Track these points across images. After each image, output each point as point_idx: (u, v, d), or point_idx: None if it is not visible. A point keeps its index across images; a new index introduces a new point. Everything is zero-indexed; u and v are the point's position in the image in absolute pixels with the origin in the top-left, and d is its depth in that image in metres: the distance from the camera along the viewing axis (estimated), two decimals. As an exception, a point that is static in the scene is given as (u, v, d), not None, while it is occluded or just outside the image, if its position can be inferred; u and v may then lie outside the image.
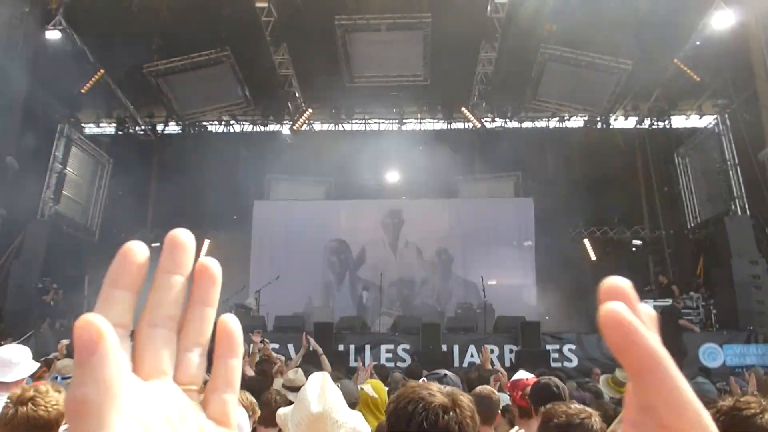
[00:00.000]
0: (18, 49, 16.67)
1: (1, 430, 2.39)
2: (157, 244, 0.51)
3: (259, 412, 3.52)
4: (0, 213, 16.07)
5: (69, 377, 5.70)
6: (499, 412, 3.87)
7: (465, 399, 1.75)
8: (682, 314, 14.10)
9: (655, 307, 13.67)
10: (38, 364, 4.03)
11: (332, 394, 2.18)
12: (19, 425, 2.37)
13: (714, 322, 15.79)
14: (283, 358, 12.07)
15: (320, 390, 2.18)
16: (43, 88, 17.97)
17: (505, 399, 4.24)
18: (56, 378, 5.70)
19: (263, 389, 4.72)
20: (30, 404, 2.40)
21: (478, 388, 3.78)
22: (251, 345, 8.45)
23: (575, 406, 2.49)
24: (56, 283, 15.86)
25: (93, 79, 18.25)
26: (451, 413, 1.66)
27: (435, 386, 1.76)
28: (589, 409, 2.47)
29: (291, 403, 4.38)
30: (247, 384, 5.21)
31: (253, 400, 3.55)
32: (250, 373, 6.94)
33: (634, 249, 22.22)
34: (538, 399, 3.46)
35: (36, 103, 17.57)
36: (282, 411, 2.30)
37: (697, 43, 16.83)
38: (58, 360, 6.64)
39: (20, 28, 16.76)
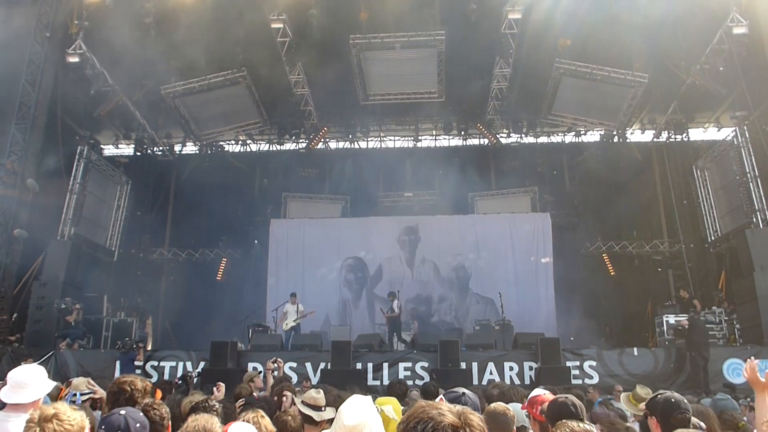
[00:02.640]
0: (39, 73, 16.99)
1: None
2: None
3: None
4: (21, 234, 16.26)
5: (86, 393, 5.71)
6: (515, 428, 3.83)
7: (475, 418, 1.72)
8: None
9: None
10: (54, 384, 4.04)
11: (368, 412, 2.31)
12: None
13: (738, 336, 15.54)
14: (294, 378, 12.11)
15: (357, 406, 2.31)
16: (63, 111, 18.29)
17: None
18: (74, 395, 5.70)
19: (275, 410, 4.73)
20: (55, 420, 2.50)
21: (493, 405, 3.74)
22: (263, 372, 8.48)
23: (581, 425, 2.48)
24: (77, 303, 15.97)
25: (112, 101, 18.51)
26: None
27: (445, 405, 1.74)
28: (593, 429, 2.45)
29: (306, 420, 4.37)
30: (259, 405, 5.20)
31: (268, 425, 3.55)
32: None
33: (659, 259, 21.90)
34: (556, 417, 3.46)
35: (56, 126, 17.87)
36: None
37: (713, 55, 16.70)
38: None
39: (41, 53, 17.10)
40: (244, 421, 3.41)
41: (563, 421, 2.61)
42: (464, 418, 1.68)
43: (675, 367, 13.05)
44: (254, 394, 6.94)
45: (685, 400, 3.67)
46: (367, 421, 2.25)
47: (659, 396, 3.74)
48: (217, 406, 4.23)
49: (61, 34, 17.45)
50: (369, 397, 2.47)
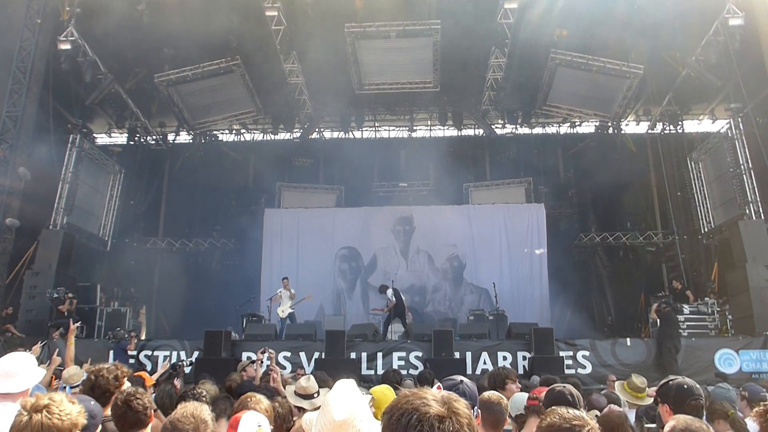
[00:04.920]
0: (30, 60, 16.81)
1: None
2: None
3: (271, 423, 3.50)
4: (13, 223, 16.15)
5: (77, 386, 5.67)
6: (508, 417, 3.83)
7: (461, 405, 1.64)
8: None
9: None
10: (44, 372, 3.97)
11: (356, 402, 2.15)
12: None
13: (729, 327, 15.63)
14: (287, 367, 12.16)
15: (344, 397, 2.15)
16: (54, 99, 18.12)
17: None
18: (64, 387, 5.65)
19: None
20: (45, 411, 2.39)
21: (486, 394, 3.72)
22: (256, 362, 8.47)
23: (573, 412, 2.45)
24: (70, 293, 15.89)
25: (104, 89, 18.33)
26: (446, 422, 1.57)
27: (430, 393, 1.67)
28: (586, 418, 2.42)
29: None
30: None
31: (267, 406, 3.53)
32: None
33: (652, 250, 21.95)
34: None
35: (48, 114, 17.70)
36: (308, 416, 2.29)
37: (709, 47, 16.68)
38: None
39: (32, 39, 16.90)
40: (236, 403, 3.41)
41: (553, 408, 2.59)
42: (450, 407, 1.61)
43: (667, 357, 13.12)
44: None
45: (698, 386, 3.68)
46: (357, 413, 2.10)
47: (671, 382, 3.74)
48: (205, 394, 4.22)
49: (52, 20, 17.23)
50: (353, 381, 2.33)
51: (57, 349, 7.71)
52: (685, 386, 3.64)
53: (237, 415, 3.04)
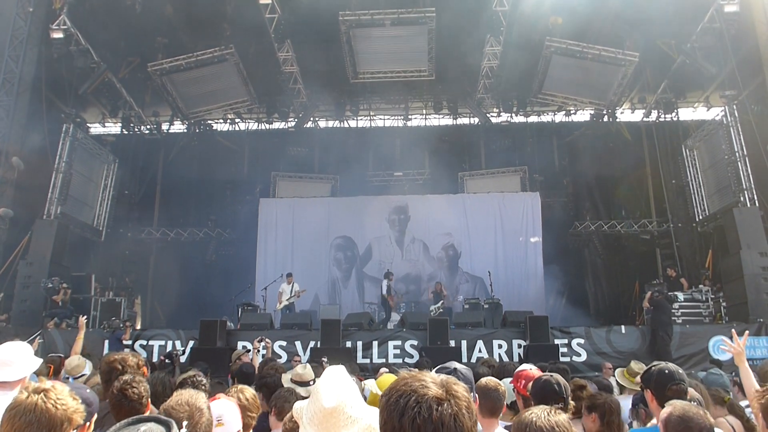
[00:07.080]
0: (22, 49, 16.67)
1: (8, 412, 2.40)
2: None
3: (256, 411, 3.52)
4: (6, 213, 16.07)
5: (80, 376, 5.65)
6: (506, 404, 3.83)
7: (460, 388, 1.63)
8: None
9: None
10: (40, 361, 3.97)
11: (346, 389, 2.09)
12: (26, 411, 2.37)
13: (724, 314, 15.71)
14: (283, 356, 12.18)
15: (334, 384, 2.10)
16: (47, 88, 17.99)
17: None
18: (67, 378, 5.63)
19: (275, 386, 4.75)
20: (42, 394, 2.41)
21: (484, 380, 3.71)
22: (252, 351, 8.48)
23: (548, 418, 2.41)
24: (64, 283, 15.86)
25: (97, 78, 18.20)
26: (445, 405, 1.55)
27: (428, 376, 1.65)
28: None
29: (302, 398, 4.37)
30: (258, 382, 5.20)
31: (251, 396, 3.54)
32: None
33: (647, 238, 22.00)
34: (540, 396, 3.49)
35: (41, 103, 17.57)
36: (299, 404, 2.25)
37: (704, 34, 16.65)
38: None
39: (24, 28, 16.76)
40: (226, 394, 3.41)
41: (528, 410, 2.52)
42: (448, 389, 1.60)
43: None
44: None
45: (680, 371, 3.67)
46: (347, 400, 2.05)
47: (653, 368, 3.73)
48: (204, 382, 4.22)
49: (44, 9, 17.08)
50: (343, 367, 2.28)
51: (42, 340, 7.69)
52: (667, 371, 3.63)
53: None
